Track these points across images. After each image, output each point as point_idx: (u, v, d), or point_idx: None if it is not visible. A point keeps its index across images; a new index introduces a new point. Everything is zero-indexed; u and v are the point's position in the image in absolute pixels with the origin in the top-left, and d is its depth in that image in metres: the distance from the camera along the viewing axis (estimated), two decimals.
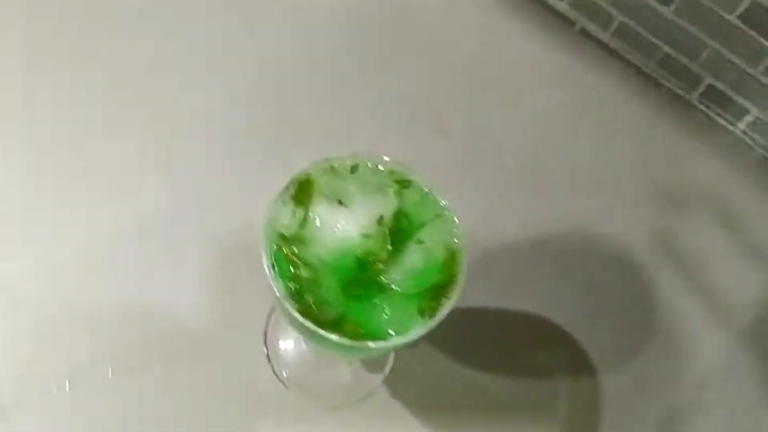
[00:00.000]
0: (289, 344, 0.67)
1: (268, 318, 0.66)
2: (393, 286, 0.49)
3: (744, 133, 0.82)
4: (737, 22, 0.73)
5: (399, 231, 0.50)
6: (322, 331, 0.46)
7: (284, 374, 0.65)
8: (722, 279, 0.74)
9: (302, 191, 0.51)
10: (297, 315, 0.46)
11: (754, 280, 0.75)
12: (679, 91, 0.83)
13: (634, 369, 0.68)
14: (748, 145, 0.82)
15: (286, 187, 0.50)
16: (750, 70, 0.76)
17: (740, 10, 0.72)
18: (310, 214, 0.50)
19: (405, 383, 0.65)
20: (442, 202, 0.52)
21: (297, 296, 0.47)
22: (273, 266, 0.48)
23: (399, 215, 0.51)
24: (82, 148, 0.70)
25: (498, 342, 0.68)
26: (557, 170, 0.77)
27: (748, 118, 0.81)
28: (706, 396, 0.68)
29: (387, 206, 0.51)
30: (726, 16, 0.73)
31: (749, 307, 0.74)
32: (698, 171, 0.79)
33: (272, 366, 0.65)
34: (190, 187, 0.70)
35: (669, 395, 0.68)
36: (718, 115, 0.82)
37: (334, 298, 0.48)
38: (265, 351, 0.65)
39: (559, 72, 0.83)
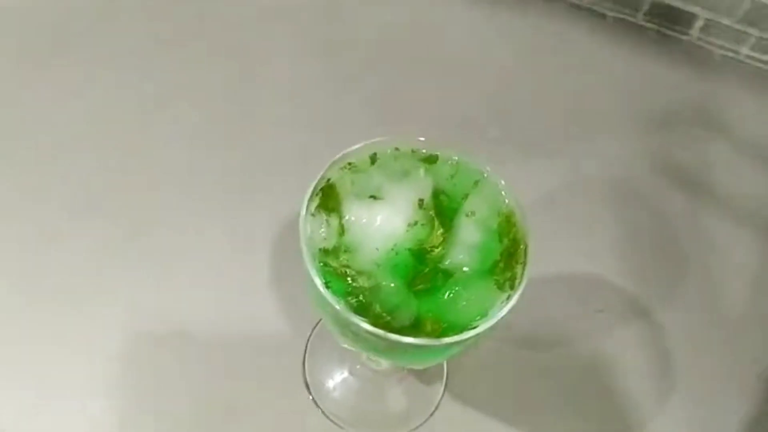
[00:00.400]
0: (330, 380, 0.60)
1: (303, 364, 0.60)
2: (460, 269, 0.44)
3: (699, 39, 0.81)
4: None
5: (443, 210, 0.46)
6: (406, 339, 0.40)
7: (335, 415, 0.58)
8: (731, 183, 0.72)
9: (328, 198, 0.45)
10: (371, 328, 0.41)
11: (761, 176, 0.73)
12: (625, 16, 0.81)
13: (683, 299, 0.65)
14: (707, 50, 0.81)
15: (310, 198, 0.44)
16: None
17: None
18: (346, 217, 0.44)
19: (459, 396, 0.60)
20: (477, 166, 0.47)
21: (363, 310, 0.42)
22: (327, 286, 0.42)
23: (437, 193, 0.46)
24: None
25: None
26: (539, 127, 0.73)
27: (699, 24, 0.80)
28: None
29: (422, 187, 0.46)
30: None
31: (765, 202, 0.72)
32: (670, 88, 0.78)
33: (321, 410, 0.59)
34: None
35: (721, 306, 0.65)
36: (669, 28, 0.81)
37: (402, 299, 0.43)
38: (310, 396, 0.59)
39: (506, 28, 0.80)
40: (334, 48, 0.75)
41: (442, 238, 0.44)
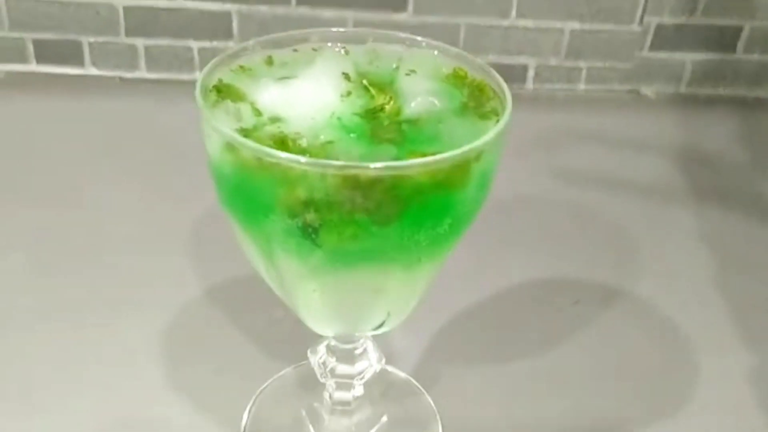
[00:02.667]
0: None
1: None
2: (426, 111, 0.33)
3: (535, 88, 0.81)
4: None
5: (376, 82, 0.35)
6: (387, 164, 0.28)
7: None
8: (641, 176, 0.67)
9: (226, 93, 0.34)
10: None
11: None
12: None
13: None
14: (547, 94, 0.81)
15: (203, 98, 0.33)
16: None
17: None
18: (258, 101, 0.33)
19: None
20: (396, 46, 0.38)
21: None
22: None
23: (362, 74, 0.36)
24: None
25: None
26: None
27: (530, 73, 0.80)
28: None
29: (341, 64, 0.36)
30: None
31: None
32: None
33: None
34: None
35: None
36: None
37: (369, 148, 0.31)
38: None
39: None
40: None
41: (388, 98, 0.34)
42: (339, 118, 0.32)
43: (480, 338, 0.51)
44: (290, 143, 0.30)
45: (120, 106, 0.73)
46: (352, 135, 0.32)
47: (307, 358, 0.44)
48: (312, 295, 0.34)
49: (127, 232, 0.58)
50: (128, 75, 0.77)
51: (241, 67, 0.36)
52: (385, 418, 0.45)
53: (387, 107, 0.33)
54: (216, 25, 0.75)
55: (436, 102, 0.33)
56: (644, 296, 0.55)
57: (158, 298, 0.52)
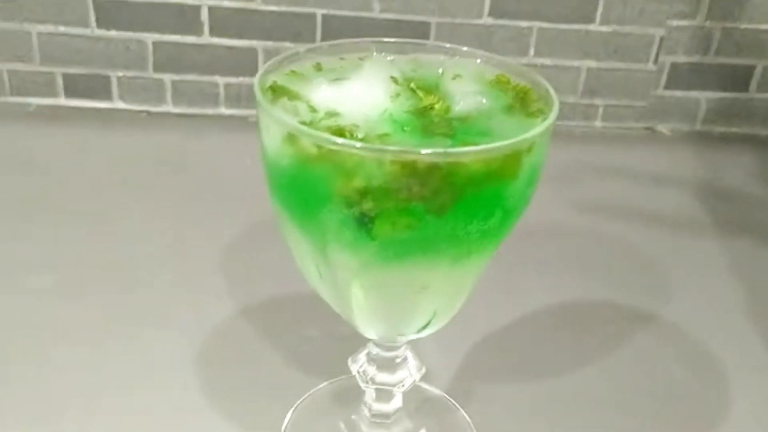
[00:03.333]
0: None
1: None
2: (474, 109, 0.34)
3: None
4: None
5: (422, 85, 0.37)
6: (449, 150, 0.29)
7: None
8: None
9: (281, 93, 0.35)
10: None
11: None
12: None
13: None
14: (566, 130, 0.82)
15: (262, 95, 0.34)
16: None
17: None
18: (313, 100, 0.34)
19: None
20: (437, 57, 0.39)
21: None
22: None
23: (407, 79, 0.37)
24: None
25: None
26: None
27: None
28: None
29: (388, 69, 0.37)
30: None
31: None
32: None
33: None
34: None
35: None
36: None
37: (422, 141, 0.32)
38: None
39: None
40: None
41: (437, 99, 0.35)
42: (391, 114, 0.33)
43: (511, 357, 0.51)
44: (347, 135, 0.31)
45: (146, 139, 0.75)
46: (405, 129, 0.33)
47: (343, 374, 0.45)
48: (360, 292, 0.35)
49: (156, 256, 0.58)
50: (155, 109, 0.79)
51: (293, 71, 0.37)
52: (423, 431, 0.44)
53: (436, 106, 0.34)
54: (242, 62, 0.77)
55: (484, 100, 0.34)
56: (673, 320, 0.55)
57: (191, 318, 0.52)
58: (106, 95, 0.78)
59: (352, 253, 0.32)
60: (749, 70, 0.81)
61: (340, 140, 0.30)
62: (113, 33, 0.75)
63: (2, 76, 0.76)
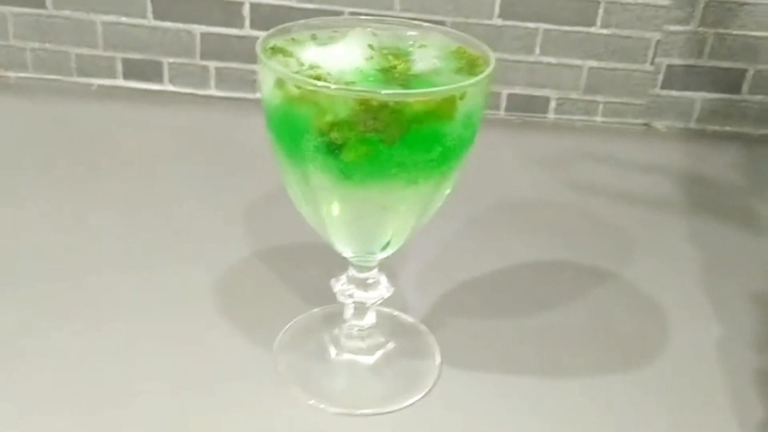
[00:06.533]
0: (310, 370, 0.52)
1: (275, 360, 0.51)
2: (429, 70, 0.43)
3: (556, 118, 0.90)
4: None
5: (395, 53, 0.46)
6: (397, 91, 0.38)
7: (323, 400, 0.49)
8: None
9: (279, 52, 0.44)
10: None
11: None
12: (488, 114, 0.90)
13: None
14: (566, 124, 0.90)
15: (263, 53, 0.43)
16: None
17: None
18: (302, 58, 0.43)
19: (454, 372, 0.53)
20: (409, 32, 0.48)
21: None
22: None
23: (383, 47, 0.46)
24: None
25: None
26: None
27: (552, 105, 0.90)
28: None
29: (367, 38, 0.46)
30: None
31: None
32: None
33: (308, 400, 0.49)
34: None
35: None
36: (529, 116, 0.90)
37: (382, 85, 0.41)
38: (293, 391, 0.50)
39: None
40: None
41: (402, 61, 0.44)
42: (362, 70, 0.43)
43: (484, 299, 0.60)
44: (322, 79, 0.40)
45: (193, 118, 0.85)
46: (370, 80, 0.42)
47: (332, 303, 0.54)
48: (334, 209, 0.44)
49: (194, 208, 0.69)
50: (200, 92, 0.90)
51: (292, 38, 0.46)
52: (392, 344, 0.53)
53: (399, 66, 0.43)
54: None
55: (439, 63, 0.43)
56: (631, 279, 0.63)
57: (214, 254, 0.62)
58: (159, 78, 0.89)
59: (325, 174, 0.41)
60: (741, 73, 0.88)
61: (316, 83, 0.39)
62: (167, 24, 0.86)
63: (70, 58, 0.88)
